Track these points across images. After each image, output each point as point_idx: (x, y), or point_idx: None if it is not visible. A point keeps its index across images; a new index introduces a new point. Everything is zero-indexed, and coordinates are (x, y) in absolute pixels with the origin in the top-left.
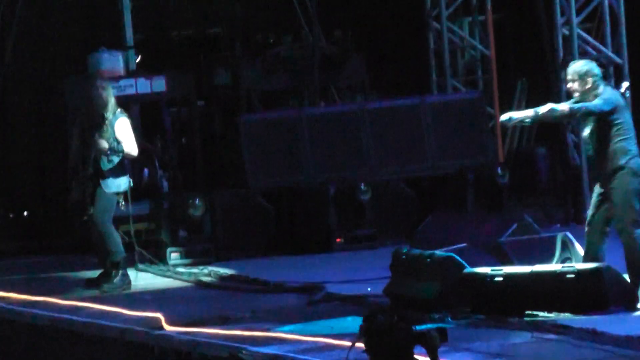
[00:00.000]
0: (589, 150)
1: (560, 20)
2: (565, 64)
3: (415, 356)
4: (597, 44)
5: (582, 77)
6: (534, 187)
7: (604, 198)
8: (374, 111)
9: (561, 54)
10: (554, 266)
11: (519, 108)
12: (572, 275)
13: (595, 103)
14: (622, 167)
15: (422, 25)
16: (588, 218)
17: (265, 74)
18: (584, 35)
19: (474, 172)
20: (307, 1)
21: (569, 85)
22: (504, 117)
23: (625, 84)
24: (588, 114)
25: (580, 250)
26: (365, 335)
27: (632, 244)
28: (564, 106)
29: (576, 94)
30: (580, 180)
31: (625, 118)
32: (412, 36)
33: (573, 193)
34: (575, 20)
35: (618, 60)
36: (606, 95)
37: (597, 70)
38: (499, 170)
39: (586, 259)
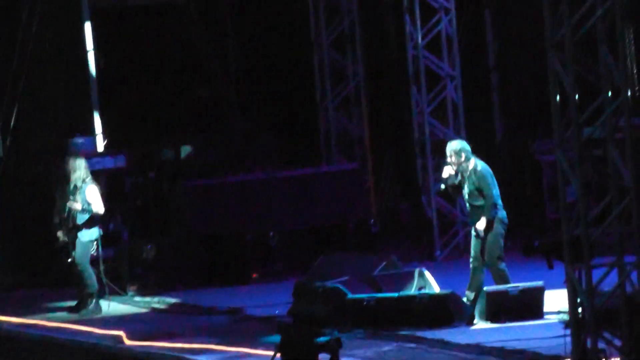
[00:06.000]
0: (467, 204)
1: (416, 110)
2: (420, 143)
3: None
4: (442, 127)
5: (457, 153)
6: (399, 233)
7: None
8: (280, 179)
9: (417, 134)
10: (412, 293)
11: (386, 176)
12: (426, 299)
13: (489, 195)
14: (492, 217)
15: (315, 114)
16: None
17: (199, 151)
18: (433, 121)
19: (353, 223)
20: (233, 100)
21: (449, 159)
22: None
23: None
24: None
25: (431, 280)
26: (282, 346)
27: (497, 274)
28: (483, 222)
29: (454, 166)
30: (432, 229)
31: (493, 182)
32: (308, 122)
33: (426, 238)
34: (427, 110)
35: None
36: (485, 174)
37: (467, 146)
38: (372, 222)
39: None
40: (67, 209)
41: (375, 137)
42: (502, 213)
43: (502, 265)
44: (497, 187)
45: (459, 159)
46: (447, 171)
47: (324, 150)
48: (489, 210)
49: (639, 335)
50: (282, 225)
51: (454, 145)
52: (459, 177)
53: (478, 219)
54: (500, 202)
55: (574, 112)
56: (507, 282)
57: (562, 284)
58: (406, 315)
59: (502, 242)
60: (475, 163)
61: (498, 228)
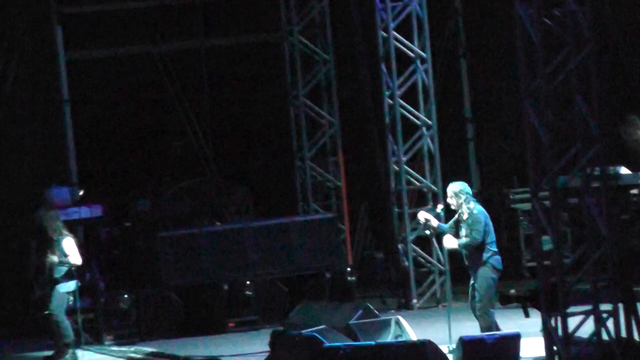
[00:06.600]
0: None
1: (392, 159)
2: (396, 192)
3: None
4: (419, 176)
5: (457, 194)
6: (375, 282)
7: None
8: (256, 228)
9: (393, 184)
10: (389, 341)
11: (363, 225)
12: (403, 348)
13: (474, 237)
14: (484, 262)
15: (291, 165)
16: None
17: (175, 202)
18: (409, 170)
19: (330, 272)
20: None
21: (448, 200)
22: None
23: (439, 206)
24: (473, 245)
25: (408, 328)
26: None
27: (485, 320)
28: (450, 242)
29: (453, 207)
30: (408, 278)
31: (488, 227)
32: (284, 173)
33: (403, 286)
34: (403, 159)
35: (434, 188)
36: (479, 218)
37: (468, 189)
38: (348, 271)
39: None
40: (44, 262)
41: (351, 187)
42: (494, 258)
43: (490, 312)
44: (492, 233)
45: (458, 200)
46: (422, 216)
47: (300, 200)
48: (465, 244)
49: None
50: (259, 274)
51: (454, 187)
52: (432, 228)
53: (474, 264)
54: (495, 248)
55: (548, 161)
56: (489, 325)
57: (538, 332)
58: None
59: (492, 286)
60: (474, 206)
61: (488, 272)
